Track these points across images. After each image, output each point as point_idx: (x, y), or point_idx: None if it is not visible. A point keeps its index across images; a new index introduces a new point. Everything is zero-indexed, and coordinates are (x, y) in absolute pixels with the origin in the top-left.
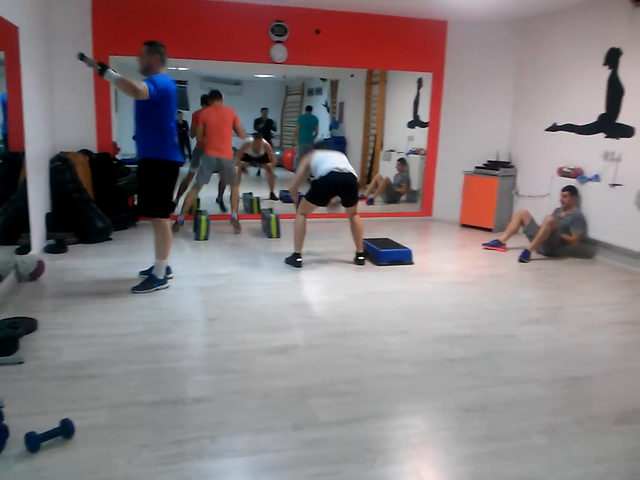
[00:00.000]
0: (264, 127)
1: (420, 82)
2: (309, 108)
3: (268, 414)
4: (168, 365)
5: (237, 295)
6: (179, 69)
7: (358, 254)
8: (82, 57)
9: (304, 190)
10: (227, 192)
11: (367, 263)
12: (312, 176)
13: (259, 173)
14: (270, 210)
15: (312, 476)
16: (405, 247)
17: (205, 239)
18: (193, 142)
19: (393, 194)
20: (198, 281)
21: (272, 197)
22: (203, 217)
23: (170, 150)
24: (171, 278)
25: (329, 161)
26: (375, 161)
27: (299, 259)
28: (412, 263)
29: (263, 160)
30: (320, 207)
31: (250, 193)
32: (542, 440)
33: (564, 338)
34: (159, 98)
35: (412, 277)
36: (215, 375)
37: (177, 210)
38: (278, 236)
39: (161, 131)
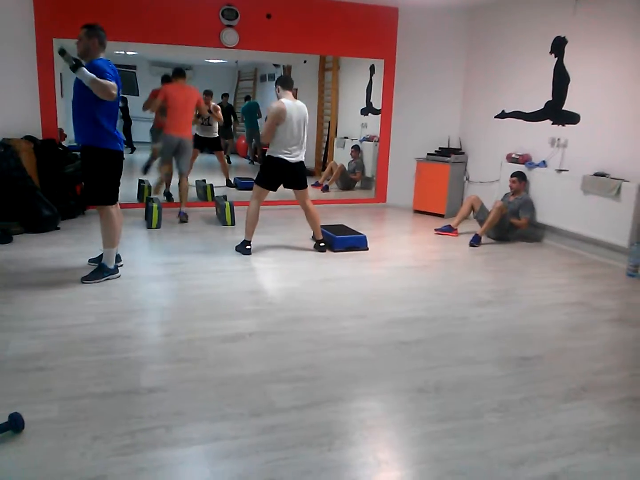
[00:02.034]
0: (224, 114)
1: (372, 69)
2: (248, 97)
3: (224, 401)
4: (120, 356)
5: (191, 283)
6: (127, 53)
7: (318, 241)
8: (62, 52)
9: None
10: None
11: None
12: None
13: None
14: (225, 197)
15: (269, 462)
16: (360, 233)
17: (157, 227)
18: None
19: (348, 180)
20: (150, 270)
21: (228, 184)
22: (154, 205)
23: (108, 139)
24: (121, 266)
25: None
26: (330, 148)
27: (248, 247)
28: (367, 249)
29: (215, 147)
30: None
31: (204, 180)
32: (493, 418)
33: (514, 319)
34: None
35: (367, 263)
36: (170, 364)
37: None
38: (233, 224)
39: (100, 120)
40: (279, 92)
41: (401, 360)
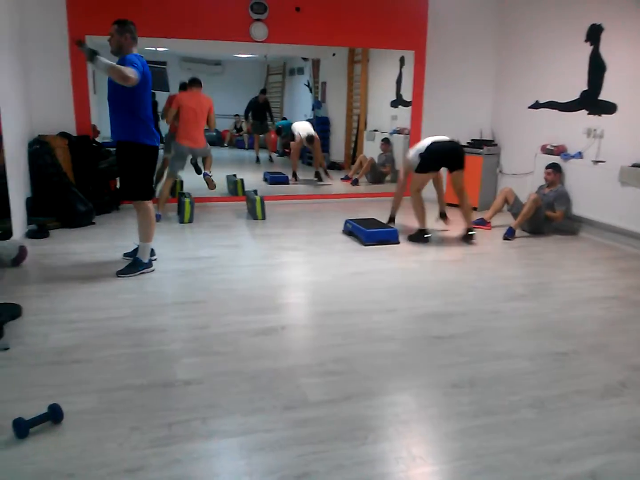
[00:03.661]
0: (261, 110)
1: (402, 61)
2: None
3: (257, 394)
4: (156, 349)
5: (223, 277)
6: (158, 49)
7: (468, 229)
8: (80, 44)
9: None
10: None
11: (354, 243)
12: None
13: (257, 160)
14: (255, 192)
15: (303, 455)
16: (391, 227)
17: (190, 222)
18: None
19: (377, 174)
20: (184, 264)
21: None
22: (187, 200)
23: (146, 134)
24: (155, 260)
25: (425, 141)
26: (359, 141)
27: (426, 235)
28: (398, 242)
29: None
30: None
31: (234, 175)
32: (530, 414)
33: (549, 313)
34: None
35: (399, 257)
36: (204, 357)
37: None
38: (263, 218)
39: (137, 114)
40: None
41: (434, 355)
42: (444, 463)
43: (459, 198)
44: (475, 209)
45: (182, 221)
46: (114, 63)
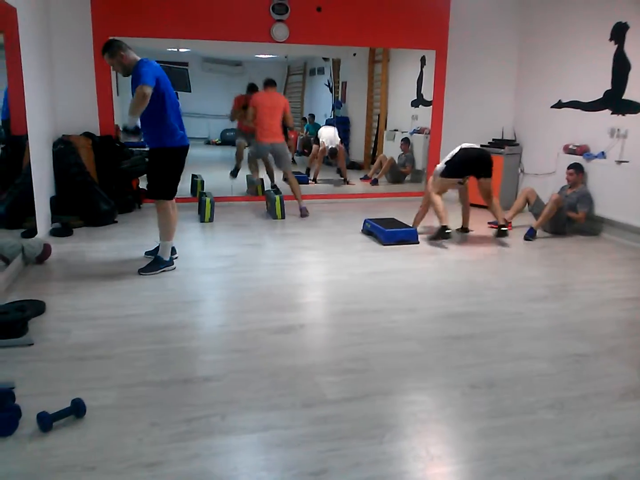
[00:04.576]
0: None
1: (423, 60)
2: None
3: (276, 391)
4: (176, 345)
5: (243, 276)
6: (180, 50)
7: (500, 225)
8: (124, 130)
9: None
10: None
11: (373, 243)
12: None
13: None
14: (275, 191)
15: (321, 452)
16: (410, 227)
17: (210, 220)
18: None
19: (397, 174)
20: (204, 262)
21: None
22: (207, 199)
23: (170, 136)
24: (176, 258)
25: (454, 150)
26: (379, 141)
27: (447, 231)
28: (417, 242)
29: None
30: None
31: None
32: (548, 415)
33: (570, 315)
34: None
35: (418, 256)
36: (224, 354)
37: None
38: (283, 217)
39: (163, 119)
40: None
41: (452, 355)
42: (461, 463)
43: (487, 202)
44: None
45: (202, 220)
46: (130, 109)
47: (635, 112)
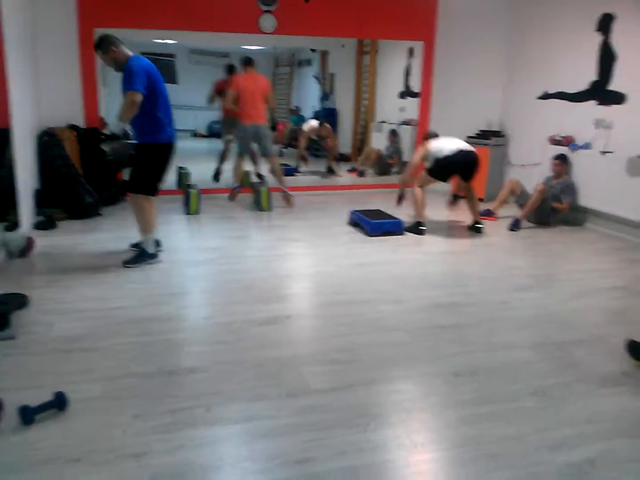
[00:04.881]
0: None
1: (411, 52)
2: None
3: (261, 382)
4: (161, 337)
5: (229, 268)
6: (167, 41)
7: (475, 222)
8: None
9: None
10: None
11: (359, 234)
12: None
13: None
14: (261, 183)
15: (306, 441)
16: (396, 218)
17: (196, 213)
18: None
19: (384, 165)
20: (190, 255)
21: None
22: (193, 191)
23: (163, 133)
24: (161, 251)
25: (452, 144)
26: (367, 133)
27: (421, 227)
28: (403, 233)
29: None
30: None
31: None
32: (531, 402)
33: (555, 304)
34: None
35: (404, 248)
36: (209, 346)
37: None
38: (269, 209)
39: (152, 115)
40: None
41: (438, 345)
42: (444, 450)
43: (467, 196)
44: (482, 200)
45: (188, 212)
46: (119, 114)
47: (620, 103)
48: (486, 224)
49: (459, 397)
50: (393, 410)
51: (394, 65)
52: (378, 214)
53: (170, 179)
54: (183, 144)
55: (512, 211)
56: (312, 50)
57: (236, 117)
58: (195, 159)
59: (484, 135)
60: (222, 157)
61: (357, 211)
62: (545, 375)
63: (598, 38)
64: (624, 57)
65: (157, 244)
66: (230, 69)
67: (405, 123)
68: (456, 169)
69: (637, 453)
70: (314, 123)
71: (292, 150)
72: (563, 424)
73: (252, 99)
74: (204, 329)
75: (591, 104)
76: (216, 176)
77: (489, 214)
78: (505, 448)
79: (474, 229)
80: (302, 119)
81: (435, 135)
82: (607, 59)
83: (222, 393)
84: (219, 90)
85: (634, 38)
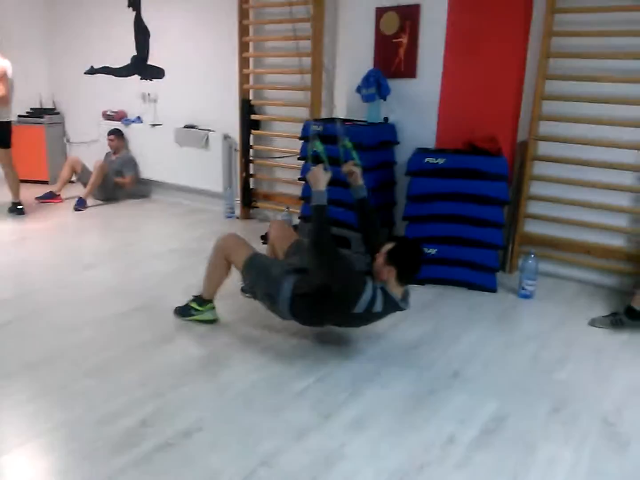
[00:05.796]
0: None
1: None
2: None
3: None
4: None
5: None
6: None
7: (15, 203)
8: None
9: None
10: None
11: None
12: None
13: None
14: None
15: None
16: None
17: None
18: None
19: None
20: None
21: None
22: None
23: None
24: None
25: None
26: None
27: (20, 207)
28: None
29: None
30: None
31: None
32: (91, 382)
33: (114, 277)
34: None
35: None
36: None
37: None
38: None
39: None
40: None
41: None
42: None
43: (4, 173)
44: (46, 182)
45: None
46: None
47: (160, 77)
48: (51, 207)
49: (18, 395)
50: None
51: None
52: None
53: None
54: None
55: (77, 191)
56: None
57: None
58: None
59: (37, 114)
60: None
61: None
62: (107, 348)
63: (131, 14)
64: (155, 32)
65: None
66: None
67: None
68: None
69: (191, 397)
70: None
71: None
72: (117, 394)
73: None
74: None
75: (136, 78)
76: None
77: (52, 196)
78: (60, 437)
79: (14, 210)
80: None
81: None
82: (141, 34)
83: None
84: None
85: (160, 13)
